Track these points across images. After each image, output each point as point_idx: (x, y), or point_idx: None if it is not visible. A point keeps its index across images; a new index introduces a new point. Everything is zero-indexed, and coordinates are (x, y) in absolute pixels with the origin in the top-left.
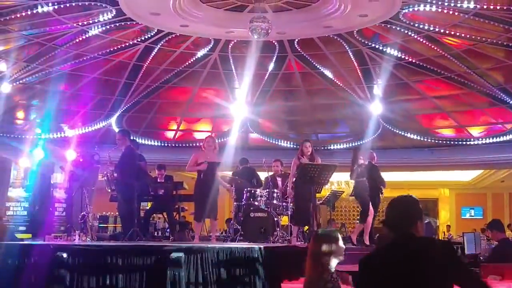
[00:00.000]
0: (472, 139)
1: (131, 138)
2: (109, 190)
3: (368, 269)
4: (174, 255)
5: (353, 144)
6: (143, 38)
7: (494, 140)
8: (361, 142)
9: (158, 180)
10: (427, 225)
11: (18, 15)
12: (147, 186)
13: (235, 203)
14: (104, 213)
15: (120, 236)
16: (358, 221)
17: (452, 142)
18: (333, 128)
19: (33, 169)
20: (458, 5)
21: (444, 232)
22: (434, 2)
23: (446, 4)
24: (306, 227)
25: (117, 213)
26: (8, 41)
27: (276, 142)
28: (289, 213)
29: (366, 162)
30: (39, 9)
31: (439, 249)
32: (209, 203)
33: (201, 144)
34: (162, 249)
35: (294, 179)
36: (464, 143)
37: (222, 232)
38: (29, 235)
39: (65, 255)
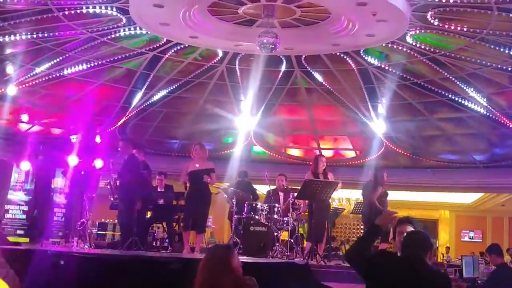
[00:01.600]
0: (474, 162)
1: (139, 145)
2: (112, 199)
3: (378, 264)
4: (171, 266)
5: (356, 162)
6: (152, 47)
7: (496, 164)
8: (364, 160)
9: (158, 189)
10: None
11: (28, 19)
12: (150, 195)
13: (235, 216)
14: (103, 220)
15: (118, 244)
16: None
17: (453, 164)
18: (336, 145)
19: (35, 172)
20: (465, 29)
21: (443, 254)
22: (440, 25)
23: (452, 28)
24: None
25: (116, 220)
26: (17, 44)
27: (280, 156)
28: (289, 228)
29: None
30: (50, 14)
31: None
32: (195, 213)
33: (192, 153)
34: (159, 260)
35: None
36: (465, 165)
37: None
38: (27, 239)
39: (62, 262)
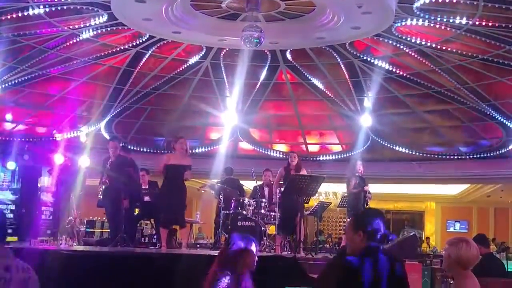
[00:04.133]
0: (459, 154)
1: (122, 144)
2: (100, 196)
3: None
4: (159, 262)
5: (342, 156)
6: (134, 44)
7: (481, 155)
8: (350, 154)
9: (142, 186)
10: (413, 237)
11: (9, 17)
12: (137, 193)
13: (223, 212)
14: (91, 218)
15: (106, 241)
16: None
17: (440, 156)
18: (322, 139)
19: (21, 172)
20: (451, 20)
21: (428, 244)
22: (426, 17)
23: (438, 19)
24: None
25: (104, 218)
26: None
27: (266, 152)
28: (277, 222)
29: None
30: (30, 11)
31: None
32: (177, 207)
33: (174, 146)
34: (147, 256)
35: (279, 188)
36: (451, 157)
37: (209, 240)
38: (15, 238)
39: (50, 260)
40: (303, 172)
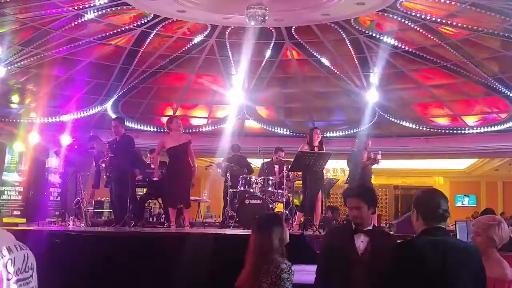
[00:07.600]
0: (467, 128)
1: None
2: (105, 177)
3: (408, 257)
4: (168, 241)
5: (349, 132)
6: (139, 23)
7: (489, 129)
8: (357, 130)
9: (152, 166)
10: None
11: None
12: (143, 172)
13: (230, 190)
14: (99, 198)
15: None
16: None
17: (447, 131)
18: (329, 116)
19: (28, 153)
20: None
21: None
22: None
23: None
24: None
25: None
26: (3, 25)
27: (273, 129)
28: (284, 200)
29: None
30: None
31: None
32: (182, 188)
33: (169, 127)
34: (156, 235)
35: (286, 165)
36: (459, 132)
37: (218, 219)
38: (24, 220)
39: (58, 241)
40: (324, 149)
